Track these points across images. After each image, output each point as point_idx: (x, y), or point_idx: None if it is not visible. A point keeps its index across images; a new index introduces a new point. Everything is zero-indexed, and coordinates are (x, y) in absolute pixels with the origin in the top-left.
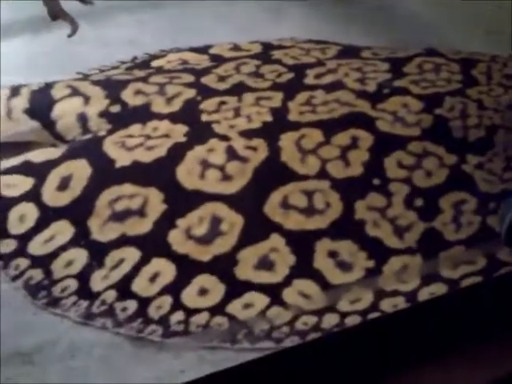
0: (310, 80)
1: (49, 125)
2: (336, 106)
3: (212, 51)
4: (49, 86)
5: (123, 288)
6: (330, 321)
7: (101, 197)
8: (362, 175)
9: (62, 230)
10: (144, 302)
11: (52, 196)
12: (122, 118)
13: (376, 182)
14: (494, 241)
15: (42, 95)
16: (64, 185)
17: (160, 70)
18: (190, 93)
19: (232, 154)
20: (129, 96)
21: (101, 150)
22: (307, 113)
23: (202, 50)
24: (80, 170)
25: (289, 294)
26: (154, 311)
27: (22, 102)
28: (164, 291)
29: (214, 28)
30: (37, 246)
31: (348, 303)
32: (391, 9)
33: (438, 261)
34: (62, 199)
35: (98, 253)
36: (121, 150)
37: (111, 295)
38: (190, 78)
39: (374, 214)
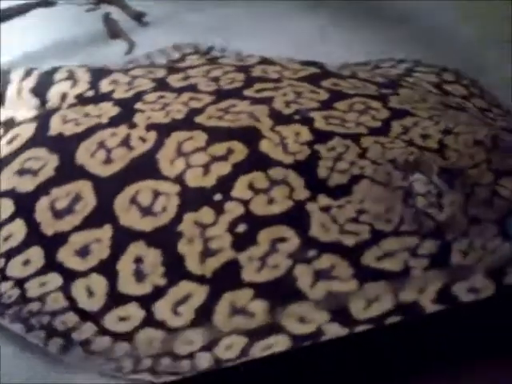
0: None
1: (44, 103)
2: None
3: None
4: (55, 70)
5: None
6: None
7: None
8: (212, 187)
9: None
10: None
11: None
12: (91, 100)
13: (217, 197)
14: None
15: (47, 77)
16: None
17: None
18: (147, 86)
19: (124, 142)
20: (106, 85)
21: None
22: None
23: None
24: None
25: None
26: None
27: (31, 82)
28: None
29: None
30: None
31: None
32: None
33: None
34: None
35: None
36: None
37: None
38: (160, 73)
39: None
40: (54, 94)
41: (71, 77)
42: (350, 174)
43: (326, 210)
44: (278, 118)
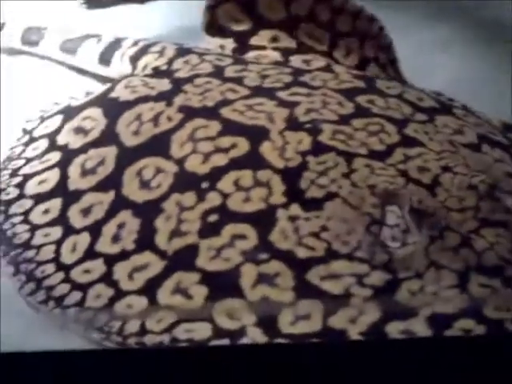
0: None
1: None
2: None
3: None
4: (155, 43)
5: None
6: None
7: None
8: (203, 175)
9: None
10: None
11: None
12: (159, 74)
13: (204, 185)
14: None
15: (145, 48)
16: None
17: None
18: (207, 70)
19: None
20: (179, 63)
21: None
22: None
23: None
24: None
25: None
26: None
27: (132, 50)
28: None
29: None
30: None
31: None
32: None
33: None
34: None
35: None
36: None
37: None
38: (225, 62)
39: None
40: (140, 64)
41: (161, 51)
42: (327, 191)
43: (293, 219)
44: (292, 124)
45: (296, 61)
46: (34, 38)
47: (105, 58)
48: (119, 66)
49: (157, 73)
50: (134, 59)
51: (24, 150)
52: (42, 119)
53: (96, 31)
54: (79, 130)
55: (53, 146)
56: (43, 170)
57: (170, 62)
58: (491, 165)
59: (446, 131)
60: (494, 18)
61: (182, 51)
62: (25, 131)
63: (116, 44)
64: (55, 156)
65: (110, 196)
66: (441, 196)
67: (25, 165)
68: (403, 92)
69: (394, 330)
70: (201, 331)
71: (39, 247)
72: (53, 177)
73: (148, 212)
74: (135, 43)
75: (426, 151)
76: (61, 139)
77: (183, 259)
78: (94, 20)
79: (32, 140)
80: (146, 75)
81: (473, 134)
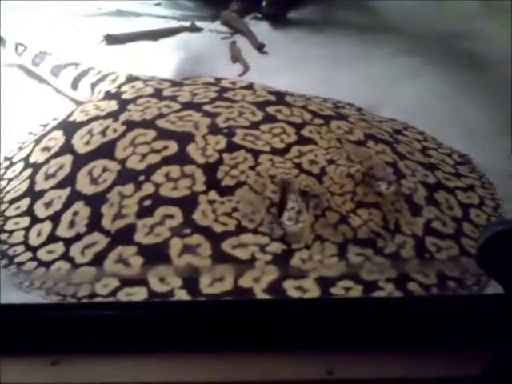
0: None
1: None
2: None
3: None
4: (111, 73)
5: None
6: None
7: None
8: (140, 170)
9: None
10: None
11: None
12: (109, 96)
13: (141, 178)
14: None
15: (103, 77)
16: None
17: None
18: (148, 92)
19: (103, 131)
20: (127, 87)
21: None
22: None
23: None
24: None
25: None
26: None
27: (94, 78)
28: None
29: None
30: None
31: None
32: None
33: None
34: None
35: None
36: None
37: None
38: (164, 86)
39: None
40: (97, 89)
41: (114, 79)
42: (238, 180)
43: (211, 202)
44: (212, 129)
45: (225, 82)
46: (38, 61)
47: (75, 83)
48: (83, 90)
49: (108, 95)
50: (94, 85)
51: (5, 173)
52: (20, 148)
53: (110, 65)
54: (45, 149)
55: (26, 166)
56: (19, 184)
57: (120, 86)
58: (371, 155)
59: (338, 131)
60: (463, 49)
61: (131, 78)
62: (6, 158)
63: (85, 72)
64: (27, 172)
65: (66, 191)
66: (326, 183)
67: (7, 185)
68: (307, 104)
69: (290, 286)
70: (138, 294)
71: (11, 231)
72: (24, 186)
73: (96, 201)
74: (98, 72)
75: (316, 148)
76: (31, 159)
77: (124, 236)
78: (113, 55)
79: (12, 164)
80: (98, 100)
81: (360, 133)
